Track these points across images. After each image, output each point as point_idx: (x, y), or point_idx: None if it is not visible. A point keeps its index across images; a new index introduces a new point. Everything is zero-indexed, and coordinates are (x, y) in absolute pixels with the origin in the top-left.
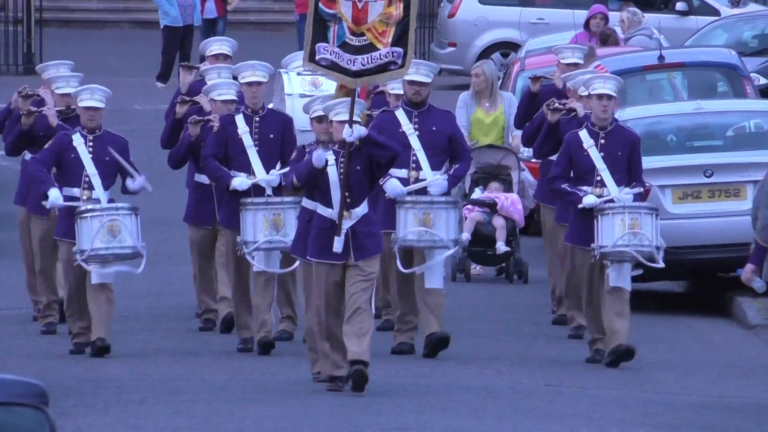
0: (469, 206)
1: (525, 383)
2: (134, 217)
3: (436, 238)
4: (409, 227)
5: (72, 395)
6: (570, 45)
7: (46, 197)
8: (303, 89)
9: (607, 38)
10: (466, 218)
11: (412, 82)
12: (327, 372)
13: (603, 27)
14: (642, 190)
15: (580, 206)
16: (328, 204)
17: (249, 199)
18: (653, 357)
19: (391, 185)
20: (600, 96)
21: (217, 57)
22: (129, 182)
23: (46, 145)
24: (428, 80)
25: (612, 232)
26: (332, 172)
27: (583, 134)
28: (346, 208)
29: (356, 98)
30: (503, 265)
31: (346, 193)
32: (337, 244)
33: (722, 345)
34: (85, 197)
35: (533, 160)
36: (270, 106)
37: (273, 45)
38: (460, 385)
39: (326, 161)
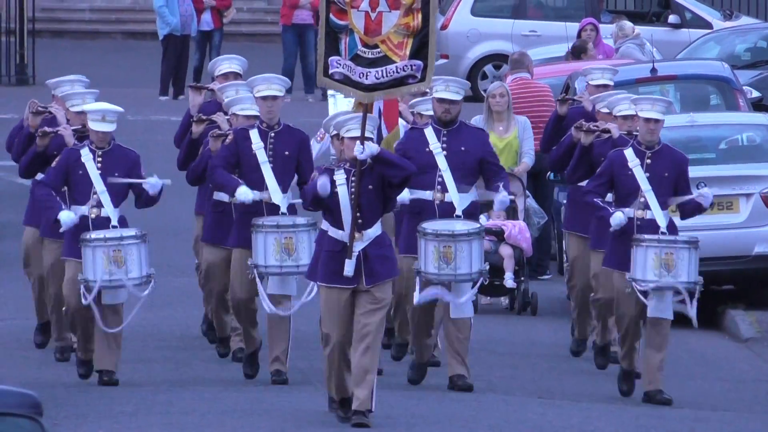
0: None
1: (517, 395)
2: (141, 245)
3: (457, 273)
4: (429, 261)
5: (64, 406)
6: (599, 66)
7: (59, 222)
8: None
9: (580, 52)
10: None
11: (441, 100)
12: (334, 393)
13: (592, 38)
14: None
15: (611, 230)
16: (339, 225)
17: (261, 220)
18: None
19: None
20: (648, 120)
21: (227, 76)
22: (147, 187)
23: (53, 163)
24: (459, 98)
25: (645, 267)
26: (343, 192)
27: (629, 152)
28: (357, 230)
29: (368, 114)
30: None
31: (358, 214)
32: (348, 267)
33: (714, 358)
34: (93, 216)
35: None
36: (320, 133)
37: (264, 56)
38: (452, 396)
39: (330, 187)
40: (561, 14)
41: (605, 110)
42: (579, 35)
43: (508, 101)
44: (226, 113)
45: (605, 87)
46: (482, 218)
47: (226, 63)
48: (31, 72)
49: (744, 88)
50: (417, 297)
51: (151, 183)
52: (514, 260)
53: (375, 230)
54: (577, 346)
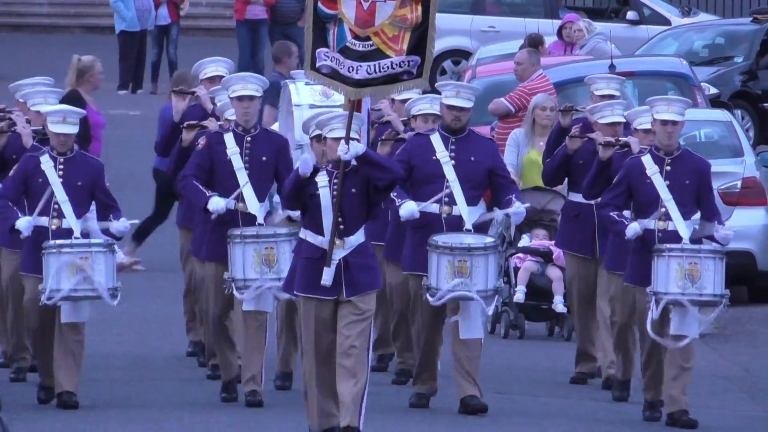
0: (520, 255)
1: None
2: (109, 255)
3: (473, 290)
4: (442, 276)
5: (22, 400)
6: (604, 75)
7: (18, 232)
8: (313, 99)
9: (537, 43)
10: (518, 268)
11: (451, 107)
12: (315, 425)
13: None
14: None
15: (627, 238)
16: (319, 231)
17: (237, 231)
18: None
19: (407, 209)
20: (665, 122)
21: (213, 80)
22: (113, 231)
23: (11, 172)
24: (469, 105)
25: (667, 278)
26: (324, 195)
27: (647, 159)
28: (338, 236)
29: (355, 112)
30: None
31: (339, 219)
32: (326, 276)
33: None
34: (54, 227)
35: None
36: (275, 125)
37: (223, 51)
38: (409, 392)
39: (313, 168)
40: (519, 10)
41: (603, 121)
42: (560, 31)
43: (556, 116)
44: (218, 118)
45: (611, 97)
46: (525, 238)
47: (213, 66)
48: None
49: (702, 84)
50: (432, 300)
51: (119, 229)
52: (564, 283)
53: (357, 238)
54: (581, 374)
